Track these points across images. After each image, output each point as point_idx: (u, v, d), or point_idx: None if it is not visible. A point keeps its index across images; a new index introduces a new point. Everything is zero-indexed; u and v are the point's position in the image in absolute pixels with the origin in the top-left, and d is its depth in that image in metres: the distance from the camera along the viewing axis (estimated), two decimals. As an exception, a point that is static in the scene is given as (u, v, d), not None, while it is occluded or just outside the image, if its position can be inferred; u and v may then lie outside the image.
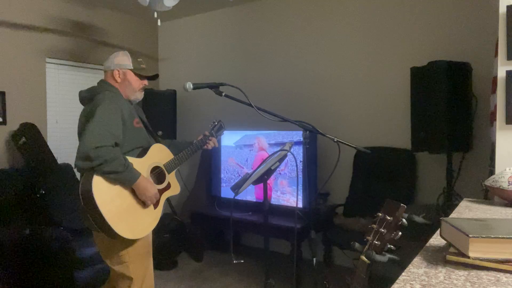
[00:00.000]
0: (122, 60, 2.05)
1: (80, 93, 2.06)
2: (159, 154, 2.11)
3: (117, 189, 1.84)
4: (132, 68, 2.05)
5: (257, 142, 3.67)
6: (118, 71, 2.03)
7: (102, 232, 1.84)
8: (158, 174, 2.07)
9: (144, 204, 1.94)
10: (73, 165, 3.58)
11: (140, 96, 2.11)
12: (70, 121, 4.08)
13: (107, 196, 1.80)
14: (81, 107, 2.04)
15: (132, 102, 2.09)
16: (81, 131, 1.87)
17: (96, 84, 2.07)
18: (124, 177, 1.82)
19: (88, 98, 2.00)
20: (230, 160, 3.85)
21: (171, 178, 2.15)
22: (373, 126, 3.56)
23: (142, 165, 1.97)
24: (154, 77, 2.17)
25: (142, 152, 2.03)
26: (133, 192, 1.90)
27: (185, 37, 4.90)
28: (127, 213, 1.86)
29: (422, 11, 3.30)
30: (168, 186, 2.12)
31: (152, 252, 2.10)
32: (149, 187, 1.92)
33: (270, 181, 3.54)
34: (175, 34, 4.98)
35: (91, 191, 1.75)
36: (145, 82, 2.11)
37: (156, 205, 2.00)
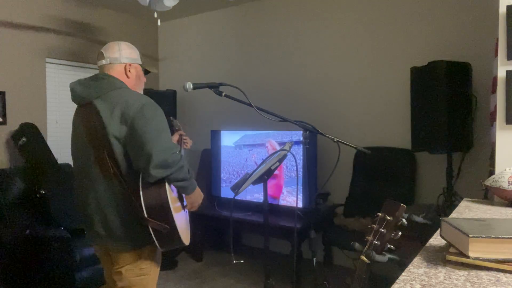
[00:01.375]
0: (131, 54, 1.84)
1: (76, 88, 1.75)
2: None
3: (173, 197, 1.73)
4: (141, 63, 1.88)
5: (269, 145, 3.64)
6: (130, 65, 1.82)
7: (156, 244, 1.64)
8: None
9: (182, 209, 1.85)
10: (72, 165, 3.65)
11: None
12: (70, 121, 4.05)
13: (174, 205, 1.68)
14: None
15: None
16: (123, 137, 1.64)
17: (93, 78, 1.77)
18: (189, 184, 1.73)
19: (95, 95, 1.70)
20: (253, 156, 3.76)
21: None
22: (373, 126, 3.56)
23: None
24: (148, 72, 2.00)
25: None
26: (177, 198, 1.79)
27: (185, 37, 4.90)
28: (180, 220, 1.76)
29: (422, 11, 3.30)
30: None
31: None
32: (201, 194, 1.86)
33: (281, 179, 3.53)
34: (175, 34, 4.98)
35: (168, 202, 1.60)
36: (145, 79, 1.95)
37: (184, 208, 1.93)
